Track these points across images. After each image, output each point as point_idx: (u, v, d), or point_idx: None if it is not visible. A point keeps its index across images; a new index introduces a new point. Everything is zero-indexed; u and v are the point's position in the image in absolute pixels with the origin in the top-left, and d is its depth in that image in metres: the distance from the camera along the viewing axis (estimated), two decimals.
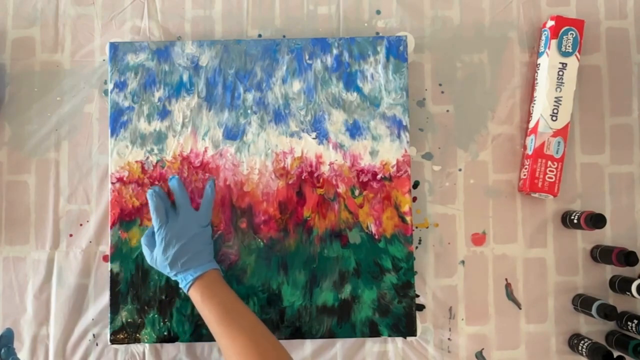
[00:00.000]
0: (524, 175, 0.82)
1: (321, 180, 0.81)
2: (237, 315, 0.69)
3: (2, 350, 0.70)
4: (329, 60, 0.82)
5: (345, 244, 0.80)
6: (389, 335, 0.80)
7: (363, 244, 0.80)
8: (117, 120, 0.81)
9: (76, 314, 0.82)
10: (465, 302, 0.83)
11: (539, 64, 0.84)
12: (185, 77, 0.82)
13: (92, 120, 0.85)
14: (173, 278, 0.74)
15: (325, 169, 0.81)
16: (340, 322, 0.79)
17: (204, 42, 0.82)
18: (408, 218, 0.80)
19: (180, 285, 0.74)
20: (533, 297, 0.83)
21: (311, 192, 0.80)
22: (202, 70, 0.82)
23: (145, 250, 0.75)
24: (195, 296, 0.71)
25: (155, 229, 0.74)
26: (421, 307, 0.83)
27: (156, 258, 0.74)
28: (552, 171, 0.81)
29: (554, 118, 0.81)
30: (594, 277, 0.84)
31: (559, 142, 0.81)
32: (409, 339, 0.82)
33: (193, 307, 0.79)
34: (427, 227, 0.84)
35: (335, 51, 0.82)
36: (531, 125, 0.83)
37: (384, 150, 0.81)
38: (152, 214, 0.75)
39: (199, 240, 0.74)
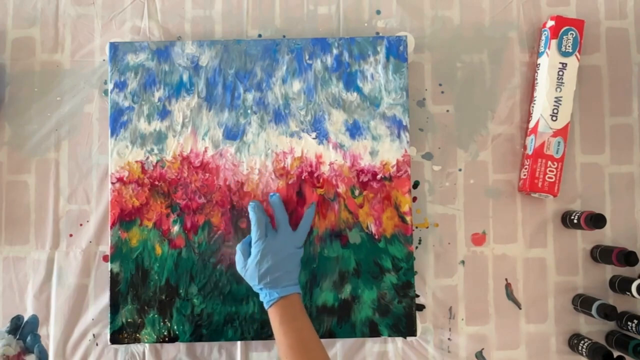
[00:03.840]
0: (524, 175, 0.83)
1: (321, 180, 0.81)
2: (310, 347, 0.70)
3: (28, 337, 0.69)
4: (329, 60, 0.82)
5: (345, 244, 0.80)
6: (389, 335, 0.80)
7: (363, 244, 0.80)
8: (117, 120, 0.81)
9: (76, 314, 0.82)
10: (465, 302, 0.83)
11: (539, 64, 0.84)
12: (185, 77, 0.82)
13: (92, 120, 0.85)
14: (257, 290, 0.74)
15: (325, 169, 0.81)
16: (340, 322, 0.79)
17: (204, 42, 0.82)
18: (408, 218, 0.80)
19: (262, 299, 0.74)
20: (533, 297, 0.83)
21: (311, 192, 0.80)
22: (202, 70, 0.82)
23: (239, 257, 0.76)
24: (275, 316, 0.72)
25: (254, 241, 0.75)
26: (421, 307, 0.83)
27: (248, 268, 0.74)
28: (552, 171, 0.81)
29: (554, 118, 0.81)
30: (594, 277, 0.84)
31: (559, 142, 0.81)
32: (409, 339, 0.82)
33: (193, 307, 0.79)
34: (427, 227, 0.84)
35: (335, 51, 0.82)
36: (531, 125, 0.83)
37: (384, 150, 0.81)
38: (253, 226, 0.76)
39: (291, 261, 0.75)
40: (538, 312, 0.83)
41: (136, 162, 0.81)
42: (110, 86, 0.81)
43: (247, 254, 0.75)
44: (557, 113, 0.81)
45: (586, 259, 0.84)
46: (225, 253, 0.80)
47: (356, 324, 0.79)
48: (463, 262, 0.84)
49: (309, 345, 0.70)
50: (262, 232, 0.75)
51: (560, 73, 0.81)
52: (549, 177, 0.81)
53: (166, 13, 0.86)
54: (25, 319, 0.70)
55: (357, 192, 0.81)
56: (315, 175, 0.81)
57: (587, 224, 0.78)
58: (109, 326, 0.79)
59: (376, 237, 0.80)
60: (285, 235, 0.76)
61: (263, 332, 0.79)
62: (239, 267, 0.76)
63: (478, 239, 0.84)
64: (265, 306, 0.73)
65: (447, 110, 0.85)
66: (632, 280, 0.77)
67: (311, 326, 0.72)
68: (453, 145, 0.85)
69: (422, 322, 0.83)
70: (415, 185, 0.84)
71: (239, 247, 0.76)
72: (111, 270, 0.79)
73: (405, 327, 0.79)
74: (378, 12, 0.86)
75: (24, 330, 0.70)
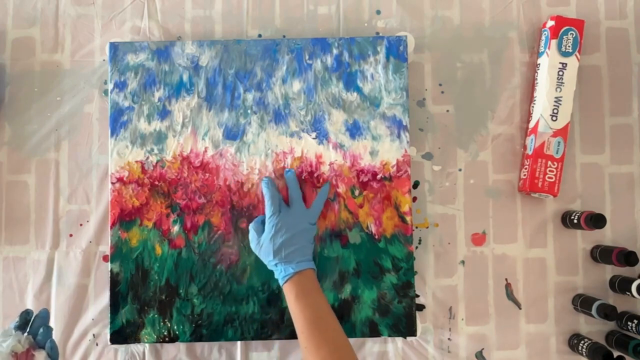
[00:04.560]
0: (524, 175, 0.82)
1: (321, 180, 0.81)
2: (326, 323, 0.70)
3: (40, 331, 0.68)
4: (329, 60, 0.82)
5: (345, 244, 0.80)
6: (389, 335, 0.80)
7: (363, 244, 0.80)
8: (117, 120, 0.81)
9: (76, 314, 0.82)
10: (465, 302, 0.83)
11: (539, 64, 0.84)
12: (185, 77, 0.82)
13: (92, 120, 0.85)
14: (271, 267, 0.75)
15: (325, 169, 0.81)
16: (340, 322, 0.79)
17: (204, 42, 0.82)
18: (408, 218, 0.80)
19: (277, 276, 0.74)
20: (533, 297, 0.83)
21: (311, 192, 0.80)
22: (202, 70, 0.82)
23: (252, 235, 0.76)
24: (290, 292, 0.72)
25: (268, 216, 0.76)
26: (421, 307, 0.83)
27: (262, 243, 0.75)
28: (552, 171, 0.81)
29: (554, 118, 0.81)
30: (594, 277, 0.84)
31: (559, 142, 0.81)
32: (409, 339, 0.82)
33: (193, 307, 0.79)
34: (427, 227, 0.84)
35: (335, 51, 0.82)
36: (531, 125, 0.83)
37: (384, 150, 0.81)
38: (267, 201, 0.76)
39: (305, 236, 0.75)
40: (538, 312, 0.83)
41: (136, 162, 0.81)
42: (110, 86, 0.81)
43: (260, 231, 0.76)
44: (557, 113, 0.81)
45: (586, 259, 0.84)
46: (225, 253, 0.80)
47: (356, 324, 0.79)
48: (463, 262, 0.84)
49: (326, 320, 0.70)
50: (275, 207, 0.76)
51: (560, 73, 0.81)
52: (549, 177, 0.81)
53: (166, 13, 0.86)
54: (35, 312, 0.69)
55: (357, 192, 0.81)
56: (315, 175, 0.81)
57: (587, 224, 0.78)
58: (109, 326, 0.79)
59: (376, 237, 0.80)
60: (299, 211, 0.76)
61: (263, 332, 0.79)
62: (252, 244, 0.76)
63: (478, 239, 0.84)
64: (280, 282, 0.73)
65: (447, 110, 0.85)
66: (632, 280, 0.77)
67: (326, 301, 0.72)
68: (453, 145, 0.85)
69: (422, 322, 0.83)
70: (415, 185, 0.84)
71: (251, 226, 0.77)
72: (111, 270, 0.79)
73: (405, 327, 0.79)
74: (378, 12, 0.86)
75: (33, 324, 0.68)
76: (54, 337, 0.67)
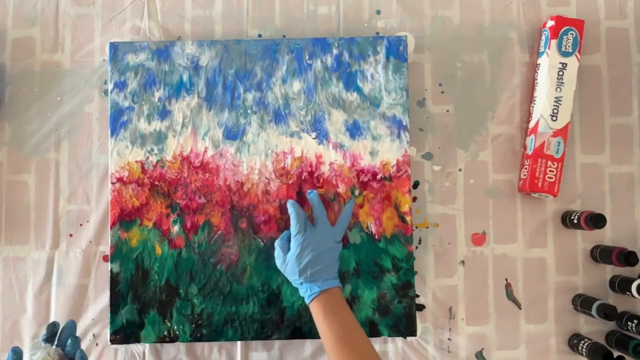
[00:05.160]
0: (524, 175, 0.82)
1: (321, 180, 0.81)
2: (357, 340, 0.70)
3: (68, 342, 0.68)
4: (329, 60, 0.82)
5: (345, 244, 0.80)
6: (389, 335, 0.80)
7: (363, 244, 0.80)
8: (117, 120, 0.81)
9: (76, 314, 0.82)
10: (465, 302, 0.83)
11: (539, 64, 0.84)
12: (185, 77, 0.82)
13: (92, 120, 0.85)
14: (297, 285, 0.75)
15: (325, 169, 0.81)
16: None
17: (204, 42, 0.82)
18: (408, 218, 0.80)
19: (302, 294, 0.74)
20: (533, 297, 0.83)
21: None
22: (202, 70, 0.82)
23: (278, 252, 0.76)
24: (318, 309, 0.72)
25: (293, 234, 0.75)
26: (421, 307, 0.83)
27: (288, 262, 0.74)
28: (552, 171, 0.81)
29: (554, 118, 0.81)
30: (594, 277, 0.84)
31: (559, 142, 0.81)
32: (409, 339, 0.82)
33: (193, 307, 0.79)
34: (427, 227, 0.84)
35: (335, 51, 0.82)
36: (531, 125, 0.83)
37: (384, 150, 0.81)
38: (293, 220, 0.76)
39: (330, 255, 0.75)
40: (538, 312, 0.83)
41: (136, 162, 0.81)
42: (110, 86, 0.81)
43: (285, 249, 0.76)
44: (557, 113, 0.81)
45: (586, 259, 0.84)
46: (225, 253, 0.80)
47: None
48: (463, 262, 0.84)
49: (356, 335, 0.70)
50: (301, 225, 0.75)
51: (560, 73, 0.81)
52: (549, 177, 0.81)
53: (166, 13, 0.86)
54: (62, 324, 0.70)
55: (357, 192, 0.81)
56: (315, 175, 0.81)
57: (587, 224, 0.78)
58: (109, 326, 0.79)
59: (376, 237, 0.80)
60: (324, 229, 0.76)
61: (263, 332, 0.79)
62: (278, 262, 0.76)
63: (478, 239, 0.84)
64: (306, 301, 0.73)
65: (447, 110, 0.85)
66: (632, 280, 0.77)
67: (354, 318, 0.72)
68: (453, 145, 0.85)
69: (422, 322, 0.83)
70: (415, 185, 0.84)
71: (277, 243, 0.77)
72: (111, 270, 0.79)
73: (405, 327, 0.79)
74: (378, 12, 0.86)
75: (61, 335, 0.69)
76: (82, 347, 0.68)
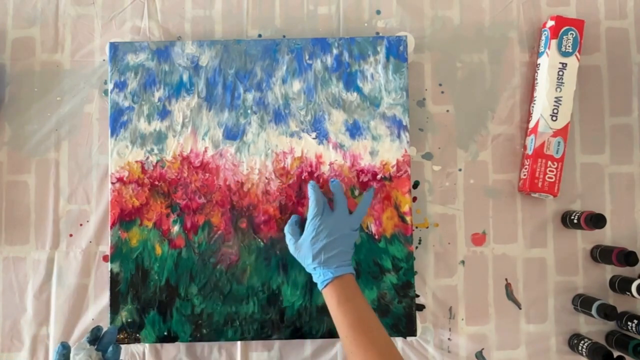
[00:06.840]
0: (524, 175, 0.82)
1: (321, 180, 0.81)
2: (371, 326, 0.70)
3: (110, 349, 0.69)
4: (329, 60, 0.82)
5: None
6: (389, 335, 0.79)
7: (363, 244, 0.80)
8: (117, 120, 0.81)
9: (76, 314, 0.82)
10: (465, 302, 0.83)
11: (539, 64, 0.84)
12: (185, 77, 0.82)
13: (92, 120, 0.85)
14: (310, 270, 0.74)
15: (325, 169, 0.81)
16: None
17: (204, 42, 0.82)
18: (408, 218, 0.80)
19: (316, 280, 0.74)
20: (533, 297, 0.83)
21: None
22: (202, 70, 0.82)
23: (289, 238, 0.76)
24: (331, 297, 0.71)
25: (310, 217, 0.75)
26: (421, 307, 0.83)
27: (301, 245, 0.74)
28: (552, 171, 0.81)
29: (554, 118, 0.81)
30: (594, 277, 0.84)
31: (559, 142, 0.81)
32: (409, 339, 0.82)
33: (193, 307, 0.79)
34: (427, 227, 0.84)
35: (335, 51, 0.82)
36: (531, 125, 0.83)
37: (384, 150, 0.81)
38: (311, 203, 0.76)
39: (346, 242, 0.75)
40: (538, 312, 0.83)
41: (136, 162, 0.81)
42: (110, 86, 0.81)
43: (295, 233, 0.76)
44: (557, 113, 0.81)
45: (586, 259, 0.84)
46: (225, 253, 0.80)
47: None
48: (463, 262, 0.84)
49: (370, 324, 0.70)
50: (319, 209, 0.75)
51: (560, 73, 0.81)
52: (549, 177, 0.81)
53: (166, 13, 0.86)
54: (104, 329, 0.71)
55: (357, 192, 0.81)
56: (315, 175, 0.81)
57: (587, 224, 0.78)
58: (109, 326, 0.79)
59: (376, 237, 0.80)
60: (342, 216, 0.76)
61: (263, 332, 0.79)
62: (291, 248, 0.76)
63: (478, 239, 0.84)
64: (320, 287, 0.73)
65: (447, 110, 0.85)
66: (632, 280, 0.77)
67: (368, 305, 0.72)
68: (453, 145, 0.85)
69: (422, 322, 0.83)
70: (415, 185, 0.84)
71: (286, 229, 0.76)
72: (111, 270, 0.79)
73: (405, 327, 0.79)
74: (378, 12, 0.86)
75: (102, 340, 0.70)
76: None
